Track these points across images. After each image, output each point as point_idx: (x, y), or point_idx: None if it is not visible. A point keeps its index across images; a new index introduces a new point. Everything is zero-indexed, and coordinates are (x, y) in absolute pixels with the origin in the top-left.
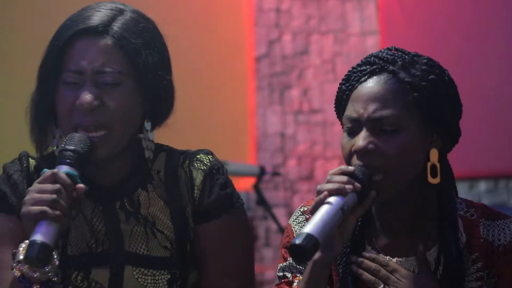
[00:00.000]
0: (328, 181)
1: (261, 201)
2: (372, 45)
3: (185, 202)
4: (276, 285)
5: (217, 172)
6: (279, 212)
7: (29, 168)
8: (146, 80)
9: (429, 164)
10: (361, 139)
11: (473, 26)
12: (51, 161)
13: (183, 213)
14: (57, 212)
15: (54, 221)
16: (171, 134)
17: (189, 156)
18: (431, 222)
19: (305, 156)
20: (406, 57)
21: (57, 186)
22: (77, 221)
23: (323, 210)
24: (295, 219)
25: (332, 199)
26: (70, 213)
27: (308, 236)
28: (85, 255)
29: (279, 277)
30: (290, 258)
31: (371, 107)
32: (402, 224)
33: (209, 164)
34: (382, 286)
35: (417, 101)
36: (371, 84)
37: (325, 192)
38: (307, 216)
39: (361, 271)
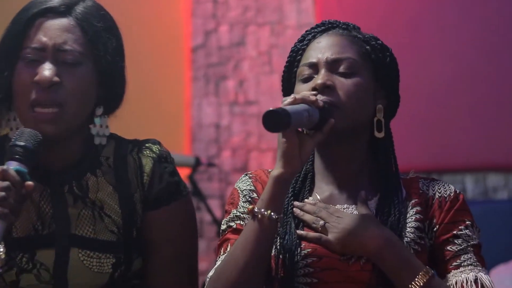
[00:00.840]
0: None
1: (196, 192)
2: None
3: (134, 188)
4: (219, 240)
5: (165, 161)
6: (213, 203)
7: None
8: (104, 63)
9: (375, 119)
10: (320, 77)
11: (411, 21)
12: (1, 145)
13: (131, 199)
14: (5, 210)
15: (1, 218)
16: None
17: (138, 144)
18: (373, 177)
19: (239, 148)
20: (356, 25)
21: (6, 183)
22: (24, 204)
23: (292, 105)
24: (240, 181)
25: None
26: (18, 210)
27: (281, 108)
28: (30, 237)
29: (223, 231)
30: (235, 210)
31: (329, 52)
32: (347, 177)
33: (158, 152)
34: (322, 222)
35: (369, 53)
36: (327, 37)
37: (292, 97)
38: (253, 179)
39: (302, 212)
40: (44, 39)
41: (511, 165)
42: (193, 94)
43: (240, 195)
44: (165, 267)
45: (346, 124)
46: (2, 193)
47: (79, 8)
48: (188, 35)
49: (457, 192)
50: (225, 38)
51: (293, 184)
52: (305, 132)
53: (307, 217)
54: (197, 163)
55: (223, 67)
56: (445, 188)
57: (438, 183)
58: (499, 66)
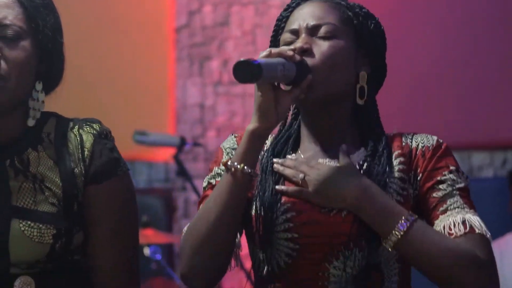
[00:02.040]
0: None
1: (181, 172)
2: None
3: (75, 163)
4: (201, 196)
5: (106, 137)
6: (199, 183)
7: None
8: (43, 38)
9: (358, 86)
10: (300, 41)
11: (398, 2)
12: None
13: (72, 173)
14: None
15: None
16: (91, 104)
17: (78, 122)
18: (357, 137)
19: (224, 128)
20: None
21: None
22: None
23: (266, 58)
24: (226, 141)
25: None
26: None
27: (252, 59)
28: None
29: (204, 188)
30: (216, 167)
31: (311, 18)
32: (330, 140)
33: (98, 129)
34: (302, 176)
35: (351, 19)
36: (310, 4)
37: (268, 50)
38: (237, 138)
39: (283, 167)
40: None
41: (495, 143)
42: (177, 74)
43: (224, 153)
44: (105, 242)
45: (323, 89)
46: None
47: None
48: (171, 15)
49: (440, 141)
50: (209, 18)
51: (274, 144)
52: (283, 87)
53: (288, 171)
54: (182, 143)
55: (207, 47)
56: (427, 139)
57: (420, 135)
58: (484, 46)
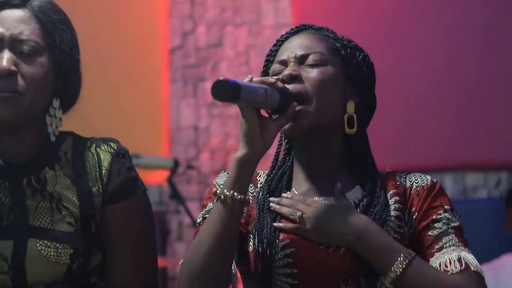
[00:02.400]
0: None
1: (175, 194)
2: None
3: (92, 181)
4: (194, 232)
5: (123, 157)
6: (192, 206)
7: None
8: (60, 53)
9: (346, 116)
10: (288, 69)
11: (390, 17)
12: None
13: (90, 192)
14: None
15: None
16: (84, 125)
17: (95, 141)
18: (350, 171)
19: (218, 150)
20: (331, 30)
21: None
22: None
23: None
24: (219, 177)
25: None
26: None
27: (231, 79)
28: None
29: (198, 223)
30: (211, 203)
31: (299, 49)
32: (323, 172)
33: (116, 148)
34: (299, 213)
35: (339, 49)
36: (299, 36)
37: (250, 77)
38: None
39: (279, 206)
40: (1, 29)
41: (490, 164)
42: (171, 95)
43: (218, 189)
44: (123, 261)
45: (312, 112)
46: None
47: (35, 2)
48: (165, 36)
49: (434, 181)
50: (202, 39)
51: (269, 182)
52: (272, 117)
53: (284, 210)
54: (175, 165)
55: (201, 68)
56: (422, 178)
57: (414, 175)
58: (477, 65)
